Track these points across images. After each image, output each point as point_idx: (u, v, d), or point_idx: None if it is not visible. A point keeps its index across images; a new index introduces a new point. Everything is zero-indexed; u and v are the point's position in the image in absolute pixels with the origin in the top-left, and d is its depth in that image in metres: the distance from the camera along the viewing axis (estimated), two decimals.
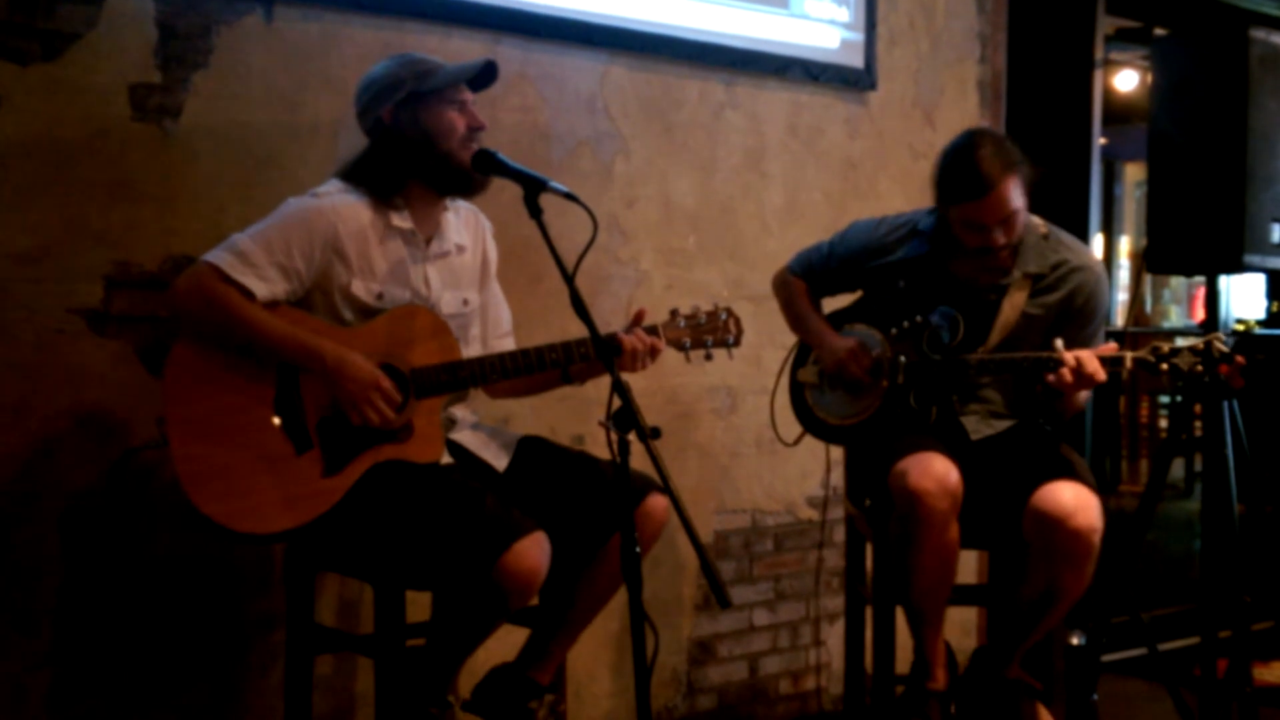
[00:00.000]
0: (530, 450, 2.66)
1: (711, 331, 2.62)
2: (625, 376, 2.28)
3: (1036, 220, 2.96)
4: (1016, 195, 2.80)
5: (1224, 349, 2.74)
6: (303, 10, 2.91)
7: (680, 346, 2.61)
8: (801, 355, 3.25)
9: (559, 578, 2.46)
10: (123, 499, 2.71)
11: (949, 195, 2.84)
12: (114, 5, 2.67)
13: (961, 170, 2.80)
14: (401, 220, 2.53)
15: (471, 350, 2.64)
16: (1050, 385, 2.78)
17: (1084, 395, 2.94)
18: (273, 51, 2.88)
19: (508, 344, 2.74)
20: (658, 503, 2.54)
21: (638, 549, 2.12)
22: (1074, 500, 2.73)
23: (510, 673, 2.63)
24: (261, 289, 2.37)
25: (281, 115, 2.89)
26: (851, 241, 3.12)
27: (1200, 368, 2.74)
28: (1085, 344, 2.91)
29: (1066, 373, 2.72)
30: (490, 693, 2.62)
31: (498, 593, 2.28)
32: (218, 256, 2.37)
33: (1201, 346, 2.74)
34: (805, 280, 3.19)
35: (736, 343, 2.64)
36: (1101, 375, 2.72)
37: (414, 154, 2.50)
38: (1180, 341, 2.81)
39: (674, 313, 2.62)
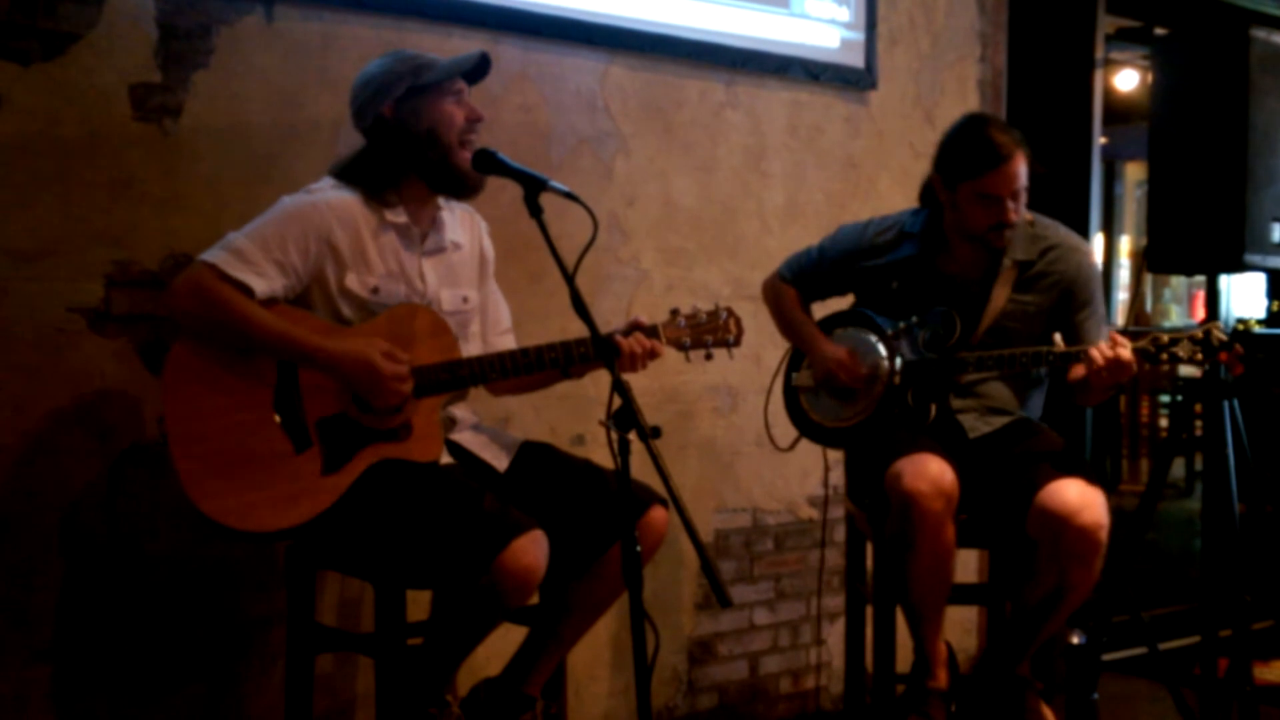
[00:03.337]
0: (533, 455, 2.66)
1: (711, 331, 2.61)
2: (625, 375, 2.29)
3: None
4: (1026, 170, 2.88)
5: (1223, 337, 2.75)
6: (303, 10, 2.91)
7: (680, 346, 2.60)
8: (796, 359, 3.26)
9: (554, 586, 2.46)
10: (123, 497, 2.71)
11: (964, 170, 2.88)
12: (115, 5, 2.68)
13: (977, 143, 2.87)
14: (395, 215, 2.53)
15: (471, 348, 2.64)
16: (1081, 380, 2.81)
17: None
18: (273, 51, 2.88)
19: (508, 341, 2.74)
20: (658, 515, 2.54)
21: (638, 548, 2.12)
22: (1080, 497, 2.74)
23: (498, 686, 2.61)
24: (260, 286, 2.37)
25: (282, 115, 2.90)
26: (842, 243, 3.15)
27: (1200, 356, 2.76)
28: (1088, 330, 2.94)
29: (1097, 365, 2.73)
30: (478, 707, 2.59)
31: (495, 591, 2.28)
32: (215, 255, 2.37)
33: (1200, 336, 2.75)
34: (796, 286, 3.21)
35: (737, 343, 2.64)
36: (1128, 355, 2.72)
37: (415, 149, 2.50)
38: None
39: (674, 312, 2.61)
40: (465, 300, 2.65)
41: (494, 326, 2.76)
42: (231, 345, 2.39)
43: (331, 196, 2.49)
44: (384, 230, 2.52)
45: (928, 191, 3.04)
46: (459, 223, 2.67)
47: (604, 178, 3.44)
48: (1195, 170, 3.71)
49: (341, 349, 2.40)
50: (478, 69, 2.57)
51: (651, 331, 2.56)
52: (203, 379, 2.38)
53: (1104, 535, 2.75)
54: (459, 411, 2.65)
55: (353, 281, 2.47)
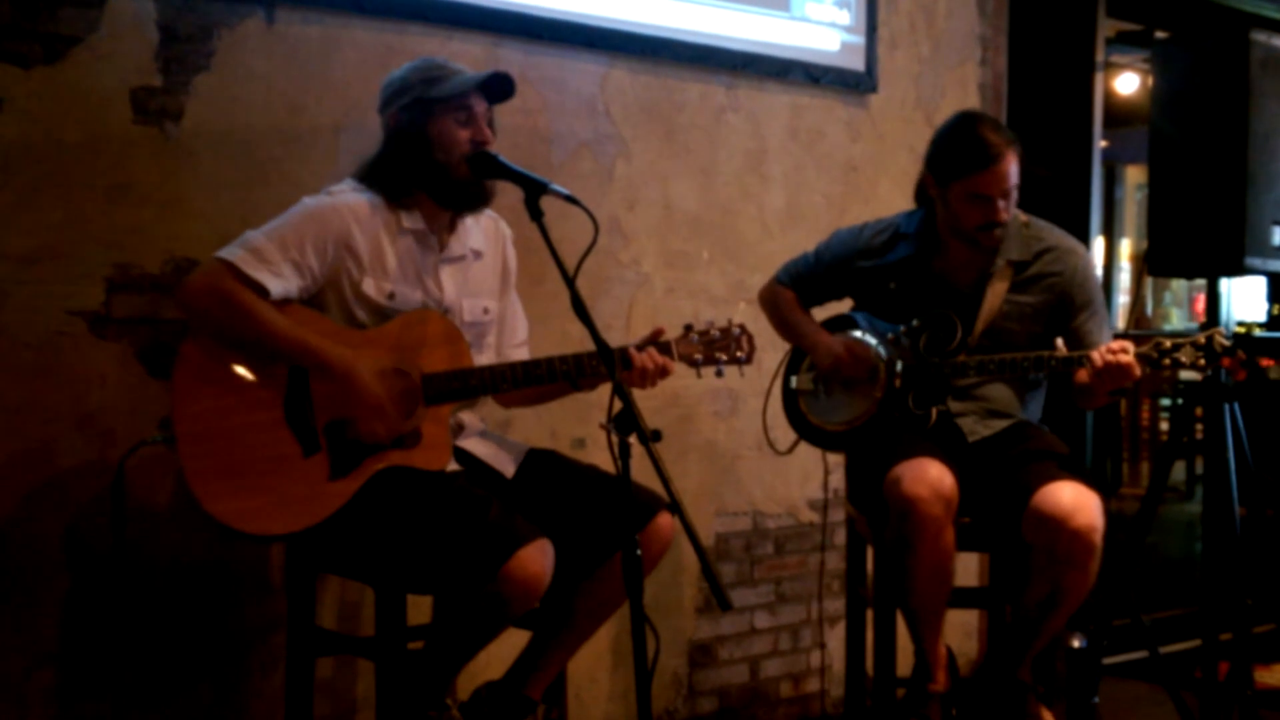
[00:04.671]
0: (539, 461, 2.65)
1: (725, 348, 2.59)
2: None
3: (1016, 210, 2.99)
4: (1016, 169, 2.88)
5: (1225, 343, 2.75)
6: (303, 13, 2.91)
7: (692, 363, 2.58)
8: (794, 363, 3.25)
9: (558, 591, 2.45)
10: (124, 501, 2.70)
11: (954, 169, 2.88)
12: (115, 8, 2.68)
13: (968, 142, 2.87)
14: (413, 221, 2.52)
15: (485, 358, 2.63)
16: (1083, 385, 2.81)
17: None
18: (274, 54, 2.88)
19: (522, 354, 2.73)
20: (664, 523, 2.52)
21: (639, 552, 2.12)
22: (1074, 500, 2.74)
23: (501, 689, 2.60)
24: (276, 285, 2.36)
25: (282, 118, 2.90)
26: (837, 247, 3.17)
27: (1203, 361, 2.76)
28: (1090, 331, 2.94)
29: (1098, 369, 2.72)
30: (479, 711, 2.58)
31: (500, 599, 2.28)
32: (231, 253, 2.36)
33: (1203, 341, 2.75)
34: (794, 289, 3.22)
35: (748, 360, 2.61)
36: (1129, 359, 2.70)
37: (414, 160, 2.49)
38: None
39: (688, 328, 2.59)
40: (486, 311, 2.64)
41: (510, 338, 2.74)
42: (242, 346, 2.38)
43: (351, 199, 2.48)
44: (402, 235, 2.51)
45: (922, 190, 3.04)
46: (482, 230, 2.65)
47: (604, 181, 3.44)
48: (1196, 173, 3.71)
49: (352, 373, 2.38)
50: (492, 85, 2.52)
51: (664, 348, 2.54)
52: (212, 379, 2.37)
53: (1098, 538, 2.74)
54: (466, 417, 2.64)
55: (369, 286, 2.46)
